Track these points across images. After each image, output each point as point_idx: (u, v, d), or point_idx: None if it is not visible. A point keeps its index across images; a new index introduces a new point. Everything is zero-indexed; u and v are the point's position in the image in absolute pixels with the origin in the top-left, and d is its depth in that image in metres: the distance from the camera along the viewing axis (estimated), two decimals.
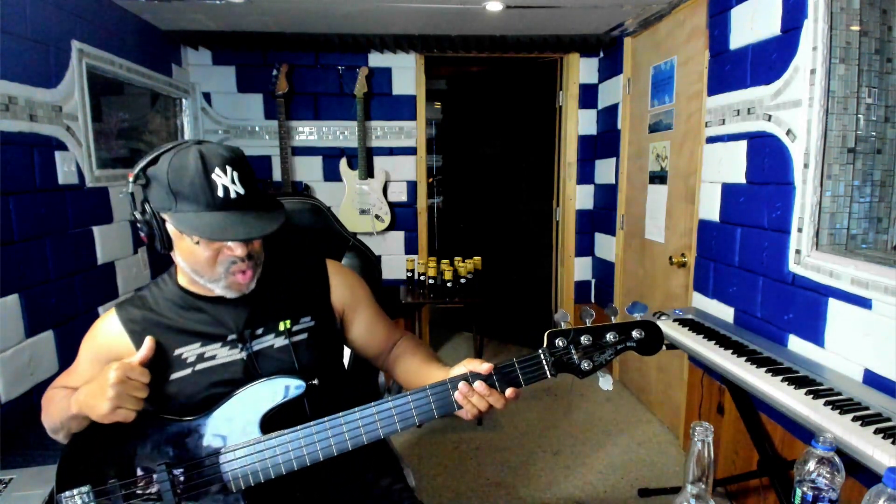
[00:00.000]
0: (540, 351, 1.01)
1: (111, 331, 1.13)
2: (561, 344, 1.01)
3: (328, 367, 1.19)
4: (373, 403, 1.01)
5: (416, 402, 1.01)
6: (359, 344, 1.29)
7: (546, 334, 1.02)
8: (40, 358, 2.00)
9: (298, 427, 1.02)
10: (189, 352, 1.10)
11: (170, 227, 1.03)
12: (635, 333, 1.02)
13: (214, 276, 1.06)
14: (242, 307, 1.13)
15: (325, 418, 1.01)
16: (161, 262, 2.97)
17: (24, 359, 1.91)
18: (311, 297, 1.20)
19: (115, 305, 1.16)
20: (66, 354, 2.14)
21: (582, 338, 1.01)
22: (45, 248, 2.06)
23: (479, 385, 0.99)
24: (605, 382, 0.99)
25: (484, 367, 1.01)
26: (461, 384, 1.00)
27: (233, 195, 0.99)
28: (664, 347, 2.16)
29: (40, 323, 2.01)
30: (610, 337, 1.02)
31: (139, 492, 1.03)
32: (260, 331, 1.13)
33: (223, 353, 1.11)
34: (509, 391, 1.01)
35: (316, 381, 1.08)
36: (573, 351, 1.01)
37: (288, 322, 1.14)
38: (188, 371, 1.09)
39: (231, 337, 1.12)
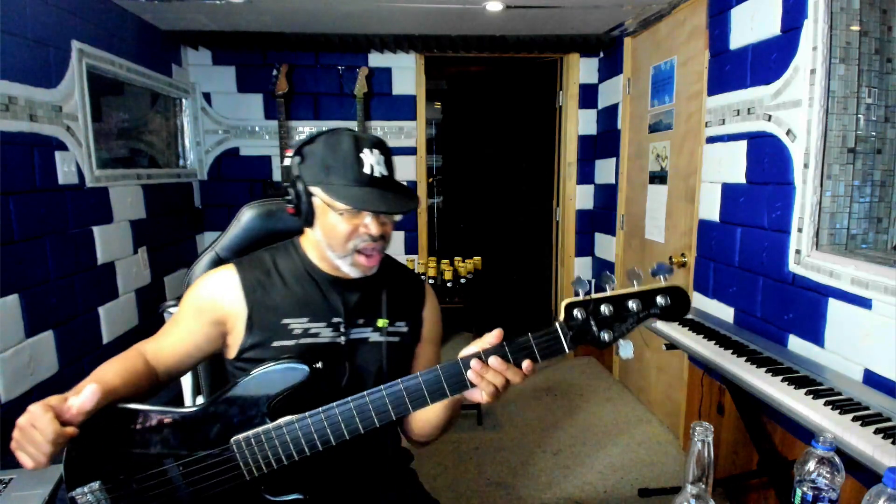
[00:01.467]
0: (557, 323, 0.95)
1: (226, 285, 1.15)
2: (580, 315, 0.94)
3: (405, 373, 1.17)
4: (383, 386, 0.98)
5: (427, 383, 0.98)
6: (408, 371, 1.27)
7: (563, 305, 0.95)
8: (40, 358, 2.00)
9: (308, 413, 1.00)
10: (297, 324, 1.14)
11: (316, 201, 1.10)
12: (660, 300, 0.93)
13: (345, 252, 1.11)
14: (352, 294, 1.18)
15: (335, 402, 0.99)
16: (162, 262, 2.98)
17: (24, 359, 1.91)
18: (410, 305, 1.25)
19: (233, 262, 1.19)
20: (66, 354, 2.14)
21: (602, 307, 0.93)
22: (45, 248, 2.06)
23: (493, 360, 0.95)
24: (626, 350, 0.92)
25: (493, 334, 0.96)
26: (474, 361, 0.96)
27: (377, 174, 1.08)
28: (664, 347, 2.18)
29: (40, 323, 2.01)
30: (632, 305, 0.93)
31: (152, 483, 1.02)
32: (361, 321, 1.18)
33: (326, 333, 1.15)
34: (526, 364, 0.95)
35: (320, 365, 1.09)
36: (592, 322, 0.94)
37: (386, 321, 1.19)
38: (292, 342, 1.13)
39: (336, 319, 1.16)
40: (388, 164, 1.11)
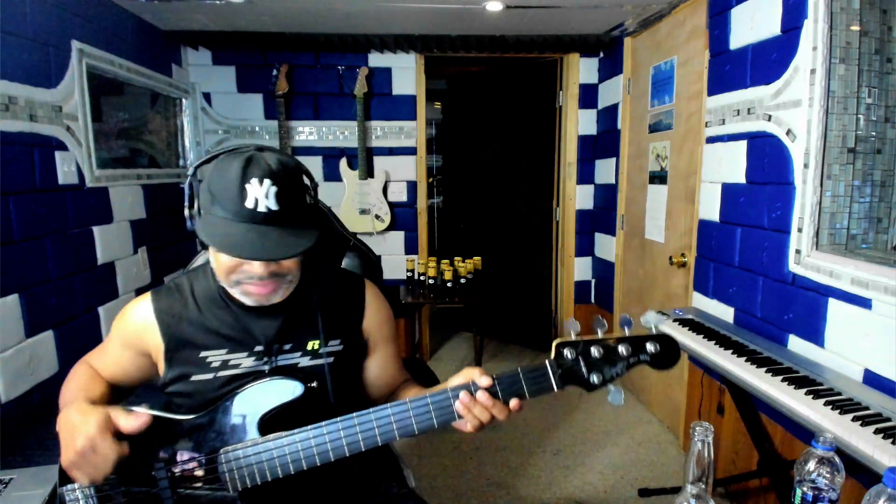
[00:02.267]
0: (547, 362, 0.97)
1: (142, 318, 1.12)
2: (570, 356, 0.96)
3: (349, 393, 1.16)
4: (371, 410, 0.98)
5: (416, 411, 0.97)
6: (367, 379, 1.25)
7: (554, 344, 0.96)
8: (40, 358, 2.00)
9: (296, 430, 1.00)
10: (214, 356, 1.10)
11: None
12: (650, 347, 0.96)
13: (230, 284, 1.04)
14: (273, 319, 1.10)
15: (323, 423, 0.99)
16: (162, 262, 2.97)
17: (24, 359, 1.91)
18: (345, 319, 1.17)
19: (151, 291, 1.15)
20: (66, 354, 2.14)
21: (592, 349, 0.96)
22: (45, 248, 2.06)
23: (481, 395, 0.95)
24: (616, 397, 0.91)
25: (484, 380, 0.96)
26: (462, 393, 0.96)
27: (261, 209, 0.95)
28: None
29: (40, 323, 2.01)
30: (622, 350, 0.96)
31: (140, 486, 1.02)
32: (287, 346, 1.12)
33: (248, 363, 1.10)
34: (513, 402, 0.97)
35: (315, 384, 1.08)
36: (582, 363, 0.96)
37: (316, 343, 1.13)
38: (210, 375, 1.09)
39: (258, 348, 1.10)
40: (283, 197, 0.96)
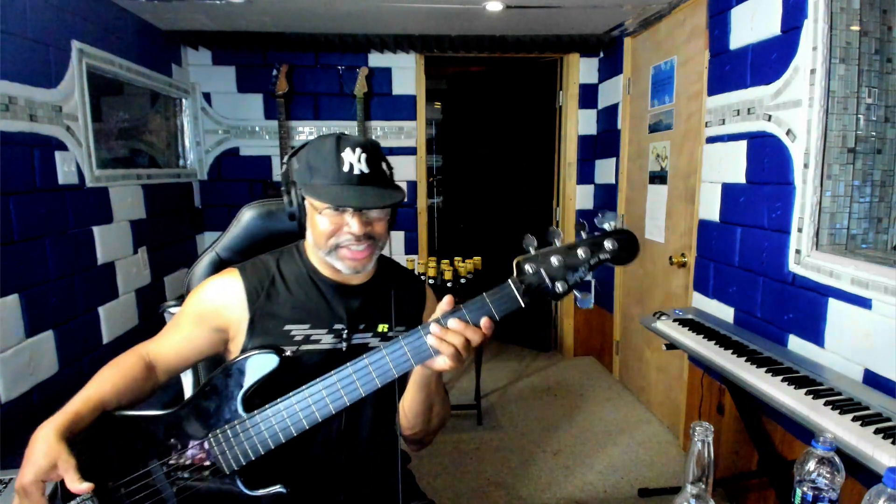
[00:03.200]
0: (509, 280, 0.96)
1: (230, 294, 1.15)
2: (530, 269, 0.96)
3: (403, 378, 1.16)
4: (348, 364, 0.99)
5: (392, 355, 0.98)
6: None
7: (514, 262, 0.97)
8: (40, 358, 2.00)
9: (278, 400, 1.01)
10: (298, 330, 1.14)
11: (305, 204, 1.12)
12: (608, 244, 0.96)
13: (328, 248, 1.11)
14: (354, 300, 1.18)
15: (303, 386, 1.00)
16: (162, 262, 2.98)
17: (24, 359, 1.91)
18: (410, 310, 1.25)
19: (236, 267, 1.19)
20: (66, 354, 2.14)
21: (552, 259, 0.96)
22: (45, 248, 2.06)
23: (452, 321, 0.95)
24: (585, 301, 0.91)
25: (446, 302, 0.97)
26: (432, 325, 0.96)
27: (356, 171, 1.08)
28: (664, 348, 2.17)
29: (40, 323, 2.01)
30: (581, 253, 0.96)
31: (138, 485, 1.02)
32: (362, 326, 1.18)
33: (328, 340, 1.15)
34: (484, 321, 0.96)
35: (289, 353, 1.10)
36: (544, 274, 0.96)
37: (386, 326, 1.20)
38: (293, 349, 1.13)
39: (337, 326, 1.16)
40: (372, 162, 1.10)
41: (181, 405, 1.07)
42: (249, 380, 1.04)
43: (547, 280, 0.96)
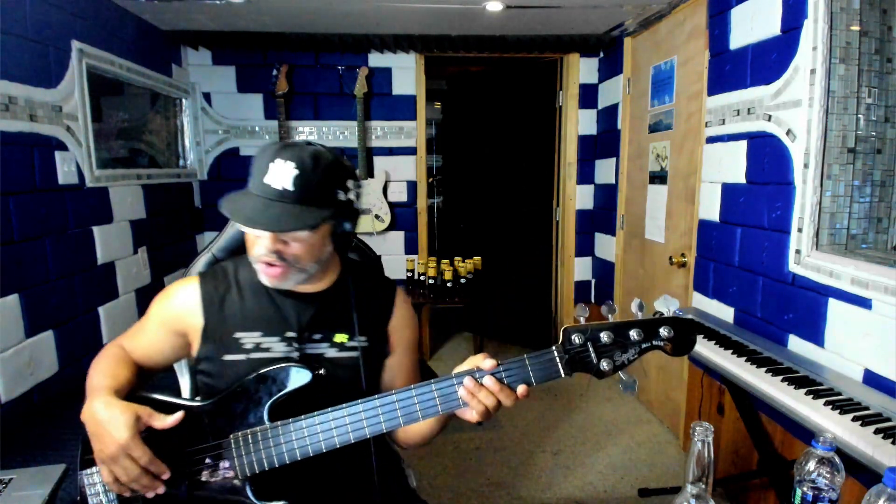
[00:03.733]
0: (554, 347, 0.93)
1: (187, 299, 1.16)
2: (578, 341, 0.91)
3: (370, 390, 1.16)
4: (376, 396, 0.98)
5: (420, 398, 0.96)
6: (381, 381, 1.24)
7: (563, 330, 0.93)
8: (40, 358, 2.00)
9: (302, 417, 1.01)
10: (248, 338, 1.13)
11: None
12: (663, 331, 0.91)
13: (253, 260, 1.09)
14: (308, 308, 1.15)
15: (329, 409, 1.00)
16: (162, 262, 2.98)
17: (24, 359, 1.91)
18: (374, 318, 1.20)
19: (199, 274, 1.20)
20: (66, 354, 2.14)
21: (602, 335, 0.91)
22: (44, 248, 2.06)
23: (488, 380, 0.93)
24: (628, 386, 0.88)
25: (488, 363, 0.94)
26: (466, 379, 0.94)
27: (277, 186, 1.01)
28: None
29: (40, 323, 2.01)
30: (634, 334, 0.91)
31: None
32: (317, 336, 1.15)
33: (279, 348, 1.13)
34: (521, 388, 0.93)
35: (322, 372, 1.08)
36: (591, 348, 0.92)
37: (345, 336, 1.16)
38: (242, 356, 1.12)
39: (289, 334, 1.13)
40: (300, 180, 1.01)
41: (212, 400, 1.08)
42: (280, 390, 1.04)
43: (593, 355, 0.92)
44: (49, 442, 1.72)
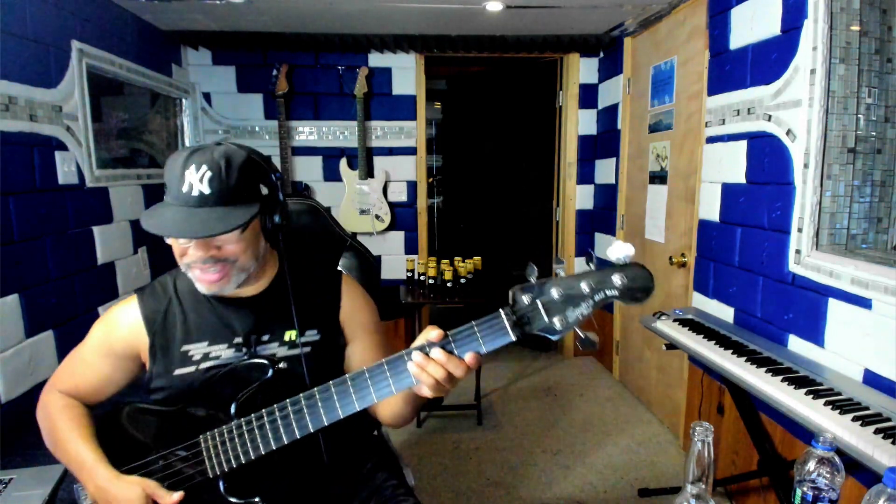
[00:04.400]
0: (501, 310, 0.86)
1: (130, 320, 1.15)
2: (526, 300, 0.84)
3: (332, 377, 1.17)
4: (332, 382, 0.96)
5: (374, 378, 0.93)
6: (348, 369, 1.23)
7: (510, 291, 0.86)
8: (40, 358, 2.00)
9: (265, 410, 1.00)
10: (195, 349, 1.12)
11: None
12: (616, 279, 0.82)
13: (186, 269, 1.08)
14: (250, 311, 1.14)
15: (287, 400, 0.98)
16: (161, 262, 2.97)
17: (24, 359, 1.91)
18: (321, 309, 1.19)
19: (136, 291, 1.18)
20: (66, 354, 2.13)
21: (552, 290, 0.84)
22: (44, 248, 2.06)
23: (435, 352, 0.88)
24: (586, 342, 0.80)
25: (434, 333, 0.89)
26: (415, 353, 0.89)
27: (194, 192, 1.00)
28: (664, 347, 2.17)
29: (40, 323, 2.01)
30: (585, 287, 0.83)
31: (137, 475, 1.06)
32: (265, 337, 1.14)
33: (227, 355, 1.12)
34: (469, 356, 0.88)
35: (284, 365, 1.09)
36: (540, 307, 0.84)
37: (293, 333, 1.14)
38: (192, 368, 1.12)
39: (237, 340, 1.13)
40: (216, 181, 1.00)
41: (175, 407, 1.09)
42: (245, 387, 1.05)
43: (543, 314, 0.84)
44: None
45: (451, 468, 2.62)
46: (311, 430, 0.97)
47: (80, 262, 2.29)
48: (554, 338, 0.86)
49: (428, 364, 0.88)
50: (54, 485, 1.33)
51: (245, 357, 1.12)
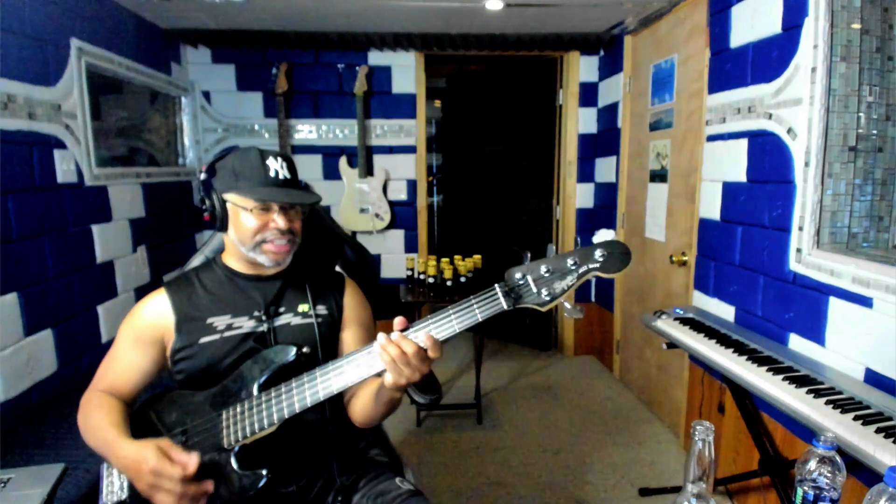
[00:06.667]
0: (497, 285, 1.00)
1: (157, 307, 1.26)
2: (518, 276, 0.99)
3: (328, 357, 1.25)
4: (318, 367, 1.09)
5: (351, 357, 1.06)
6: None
7: (505, 272, 1.01)
8: (39, 357, 2.00)
9: (272, 389, 1.12)
10: (220, 321, 1.25)
11: (228, 206, 1.23)
12: (598, 254, 0.98)
13: (253, 244, 1.23)
14: (271, 286, 1.29)
15: (292, 380, 1.10)
16: (161, 261, 2.97)
17: (23, 358, 1.91)
18: (329, 294, 1.36)
19: (164, 285, 1.30)
20: (65, 353, 2.14)
21: (541, 268, 0.99)
22: (44, 246, 2.06)
23: (394, 334, 1.00)
24: (573, 311, 1.01)
25: (399, 321, 1.03)
26: (380, 335, 1.01)
27: (281, 177, 1.23)
28: (664, 346, 2.17)
29: (39, 322, 2.01)
30: (570, 263, 0.98)
31: None
32: (282, 309, 1.29)
33: (249, 325, 1.25)
34: (423, 336, 1.00)
35: (306, 350, 1.22)
36: (531, 281, 0.99)
37: (307, 306, 1.31)
38: (216, 336, 1.23)
39: (256, 313, 1.26)
40: (291, 170, 1.25)
41: (204, 392, 1.19)
42: (267, 368, 1.16)
43: (533, 287, 0.98)
44: (48, 441, 1.72)
45: (451, 467, 2.62)
46: (297, 411, 1.08)
47: (79, 260, 2.28)
48: (542, 309, 1.00)
49: (388, 346, 1.00)
50: (53, 484, 1.33)
51: (262, 325, 1.25)
